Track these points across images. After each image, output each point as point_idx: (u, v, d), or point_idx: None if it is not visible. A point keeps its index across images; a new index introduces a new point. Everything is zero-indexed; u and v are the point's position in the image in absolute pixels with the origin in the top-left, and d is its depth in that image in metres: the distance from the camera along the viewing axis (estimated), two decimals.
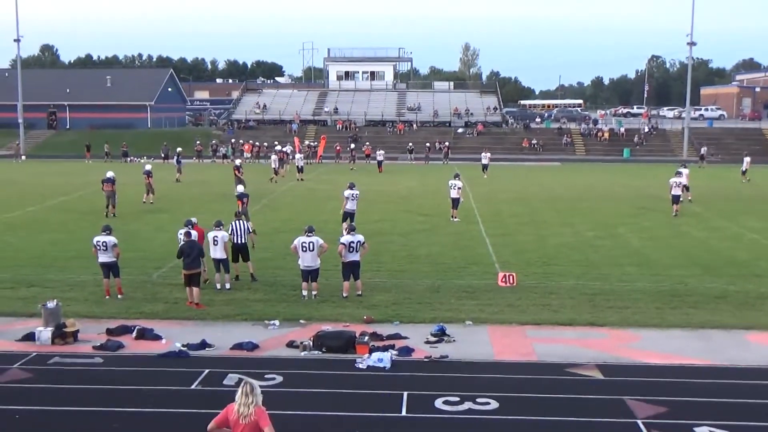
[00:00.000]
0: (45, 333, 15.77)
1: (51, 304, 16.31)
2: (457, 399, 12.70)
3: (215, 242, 19.83)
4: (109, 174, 33.31)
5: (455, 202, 32.58)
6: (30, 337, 15.90)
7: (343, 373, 14.13)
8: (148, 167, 38.22)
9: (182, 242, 19.20)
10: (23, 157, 66.70)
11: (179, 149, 53.46)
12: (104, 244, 19.24)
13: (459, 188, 32.66)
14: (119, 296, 19.25)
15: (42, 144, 77.98)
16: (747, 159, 51.15)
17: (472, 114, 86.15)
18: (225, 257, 19.93)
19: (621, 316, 17.76)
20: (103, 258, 19.32)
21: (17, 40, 73.97)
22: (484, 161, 55.83)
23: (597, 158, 72.03)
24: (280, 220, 31.74)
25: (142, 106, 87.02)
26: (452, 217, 32.27)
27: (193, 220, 20.74)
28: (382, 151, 60.37)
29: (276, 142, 66.04)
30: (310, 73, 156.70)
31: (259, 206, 34.68)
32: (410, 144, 70.36)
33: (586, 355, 15.06)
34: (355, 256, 19.08)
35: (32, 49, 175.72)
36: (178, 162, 49.74)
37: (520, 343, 15.87)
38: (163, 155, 63.79)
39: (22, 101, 75.42)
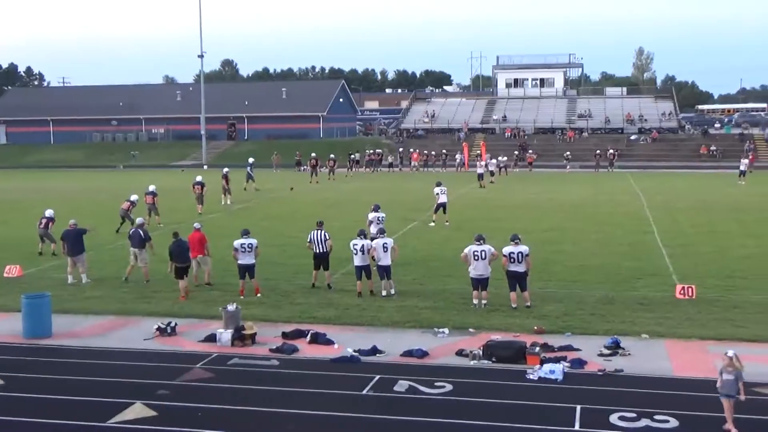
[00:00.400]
0: (225, 335, 16.46)
1: (231, 308, 17.03)
2: (634, 415, 12.21)
3: (384, 249, 20.17)
4: (151, 188, 34.77)
5: (445, 207, 32.58)
6: (211, 338, 16.65)
7: (514, 383, 13.91)
8: (225, 170, 42.16)
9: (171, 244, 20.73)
10: (277, 169, 67.23)
11: (251, 159, 54.18)
12: (250, 246, 20.40)
13: (445, 192, 32.83)
14: (258, 296, 20.17)
15: (222, 154, 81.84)
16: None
17: (646, 120, 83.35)
18: (386, 264, 20.19)
19: None
20: (245, 260, 20.34)
21: (201, 56, 78.23)
22: (488, 168, 54.73)
23: None
24: (452, 228, 31.73)
25: (315, 117, 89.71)
26: (446, 221, 32.47)
27: (196, 225, 22.12)
28: (493, 160, 58.66)
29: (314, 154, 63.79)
30: (479, 81, 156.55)
31: (427, 214, 34.85)
32: (568, 153, 68.82)
33: None
34: (518, 267, 18.79)
35: (214, 64, 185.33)
36: (250, 172, 50.41)
37: (700, 359, 15.08)
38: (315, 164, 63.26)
39: (205, 113, 79.49)
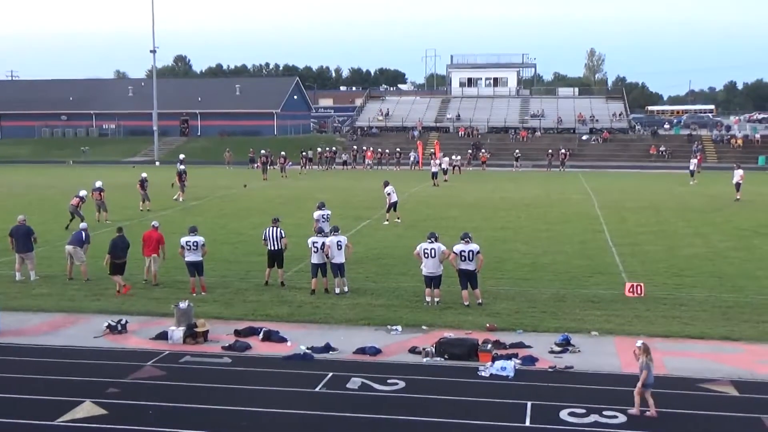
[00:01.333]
0: (177, 332, 16.34)
1: (183, 305, 16.90)
2: (583, 411, 12.40)
3: (339, 247, 20.17)
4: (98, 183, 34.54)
5: (395, 206, 33.11)
6: (163, 336, 16.51)
7: (466, 380, 14.03)
8: (181, 166, 43.55)
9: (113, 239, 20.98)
10: (230, 166, 67.07)
11: (181, 156, 54.58)
12: (195, 243, 20.34)
13: (395, 191, 33.28)
14: (203, 293, 20.13)
15: (175, 150, 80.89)
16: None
17: (597, 120, 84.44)
18: (340, 262, 20.20)
19: (758, 331, 16.94)
20: (191, 257, 20.30)
21: (153, 51, 77.45)
22: (444, 166, 55.18)
23: (729, 166, 69.05)
24: (405, 226, 31.83)
25: (268, 114, 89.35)
26: (397, 218, 32.95)
27: (155, 223, 22.06)
28: (446, 159, 58.57)
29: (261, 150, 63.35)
30: (433, 80, 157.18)
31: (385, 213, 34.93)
32: (517, 151, 69.46)
33: (720, 370, 14.43)
34: (469, 265, 18.93)
35: (167, 59, 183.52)
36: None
37: None
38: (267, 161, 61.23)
39: (157, 110, 78.63)
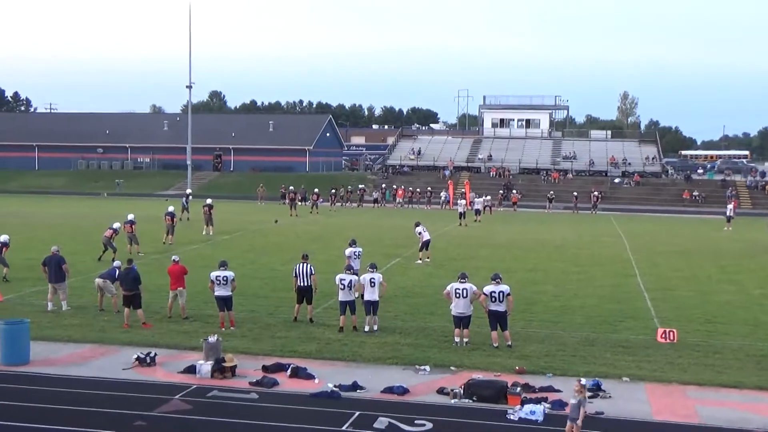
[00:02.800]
0: (205, 366, 16.35)
1: (212, 339, 16.94)
2: None
3: (372, 284, 20.16)
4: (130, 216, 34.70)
5: (428, 245, 32.85)
6: (191, 369, 16.53)
7: (495, 423, 13.87)
8: (208, 200, 43.49)
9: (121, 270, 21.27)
10: (262, 201, 68.14)
11: (188, 191, 54.63)
12: (225, 278, 20.31)
13: (426, 230, 33.09)
14: (231, 328, 20.10)
15: (207, 185, 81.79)
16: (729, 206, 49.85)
17: (629, 164, 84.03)
18: (373, 299, 20.15)
19: None
20: (220, 292, 20.27)
21: (189, 87, 78.40)
22: (478, 207, 55.36)
23: (765, 212, 68.37)
24: (434, 265, 31.75)
25: (301, 150, 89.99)
26: (427, 257, 32.71)
27: (175, 257, 22.04)
28: (480, 199, 58.17)
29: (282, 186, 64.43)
30: (465, 120, 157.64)
31: (413, 249, 34.89)
32: (551, 192, 69.26)
33: (756, 421, 14.14)
34: (499, 306, 18.80)
35: (202, 95, 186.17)
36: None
37: (681, 404, 15.10)
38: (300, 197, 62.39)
39: (191, 144, 79.53)
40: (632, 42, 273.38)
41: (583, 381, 12.70)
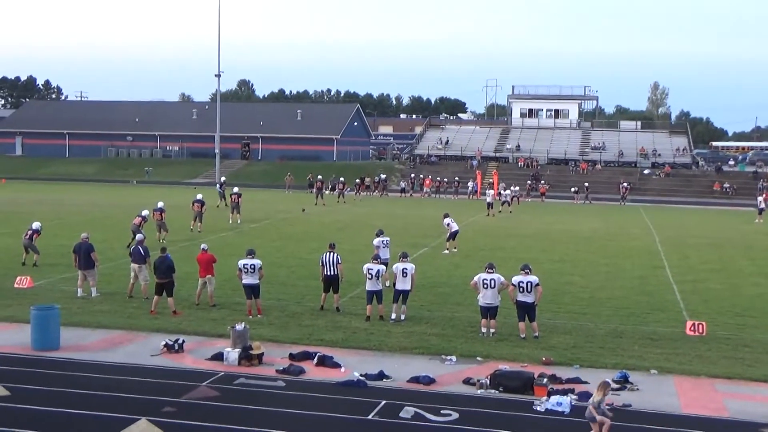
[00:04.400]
0: (233, 354, 16.45)
1: (239, 327, 17.03)
2: None
3: (404, 274, 20.18)
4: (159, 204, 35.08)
5: (455, 235, 32.82)
6: (219, 357, 16.64)
7: (521, 414, 13.83)
8: (236, 189, 43.51)
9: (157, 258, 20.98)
10: (290, 190, 68.61)
11: (222, 178, 54.69)
12: (252, 266, 20.35)
13: (454, 221, 33.07)
14: (259, 316, 20.21)
15: (235, 173, 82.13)
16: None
17: (659, 155, 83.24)
18: (404, 289, 20.14)
19: None
20: (248, 280, 20.33)
21: (218, 76, 78.60)
22: (503, 198, 54.88)
23: None
24: (461, 255, 31.69)
25: (329, 140, 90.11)
26: (454, 248, 32.66)
27: (204, 246, 22.23)
28: (508, 191, 57.08)
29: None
30: (493, 110, 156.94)
31: (438, 241, 34.85)
32: (586, 184, 68.67)
33: None
34: (527, 297, 18.72)
35: (230, 83, 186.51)
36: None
37: (709, 398, 14.96)
38: (330, 186, 63.20)
39: (220, 132, 79.91)
40: (663, 32, 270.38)
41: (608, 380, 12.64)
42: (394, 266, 20.49)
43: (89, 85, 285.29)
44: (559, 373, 15.98)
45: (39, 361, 16.31)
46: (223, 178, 55.38)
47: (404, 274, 20.16)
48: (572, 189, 68.12)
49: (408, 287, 20.22)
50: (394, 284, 20.36)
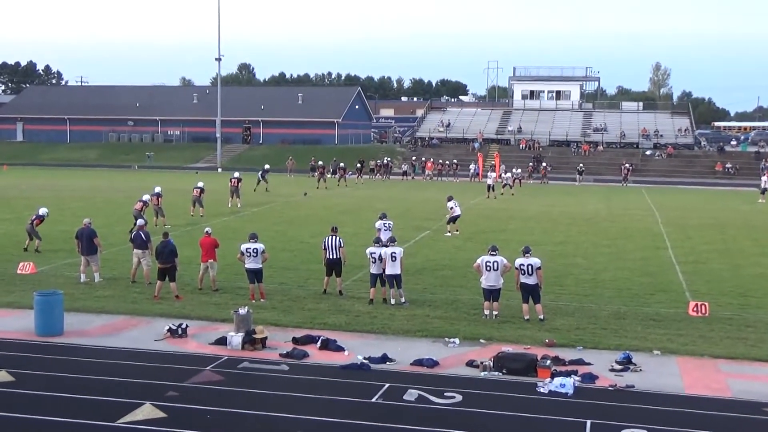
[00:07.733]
0: (236, 338, 16.47)
1: (243, 311, 17.04)
2: (644, 431, 12.13)
3: (393, 258, 20.12)
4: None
5: (456, 219, 32.88)
6: (222, 341, 16.66)
7: (524, 396, 13.85)
8: (236, 173, 43.77)
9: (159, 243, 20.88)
10: (291, 174, 67.59)
11: (267, 166, 54.33)
12: (255, 250, 20.35)
13: (458, 205, 33.18)
14: (262, 300, 20.16)
15: (236, 157, 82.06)
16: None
17: (661, 136, 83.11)
18: (395, 273, 20.10)
19: None
20: (251, 264, 20.35)
21: (218, 60, 78.44)
22: (509, 181, 54.79)
23: None
24: (463, 238, 31.68)
25: (330, 123, 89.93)
26: (456, 230, 32.69)
27: (207, 230, 22.27)
28: (508, 174, 56.78)
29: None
30: (495, 92, 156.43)
31: (440, 223, 34.84)
32: (581, 165, 68.65)
33: None
34: (528, 279, 18.71)
35: (231, 67, 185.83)
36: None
37: (712, 378, 14.98)
38: (331, 170, 62.95)
39: (221, 117, 79.75)
40: (665, 12, 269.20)
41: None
42: (383, 251, 20.37)
43: (90, 70, 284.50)
44: (563, 355, 15.99)
45: (43, 347, 16.34)
46: (266, 166, 54.28)
47: (393, 259, 20.10)
48: (579, 166, 68.05)
49: (398, 271, 20.13)
50: (384, 270, 20.25)
